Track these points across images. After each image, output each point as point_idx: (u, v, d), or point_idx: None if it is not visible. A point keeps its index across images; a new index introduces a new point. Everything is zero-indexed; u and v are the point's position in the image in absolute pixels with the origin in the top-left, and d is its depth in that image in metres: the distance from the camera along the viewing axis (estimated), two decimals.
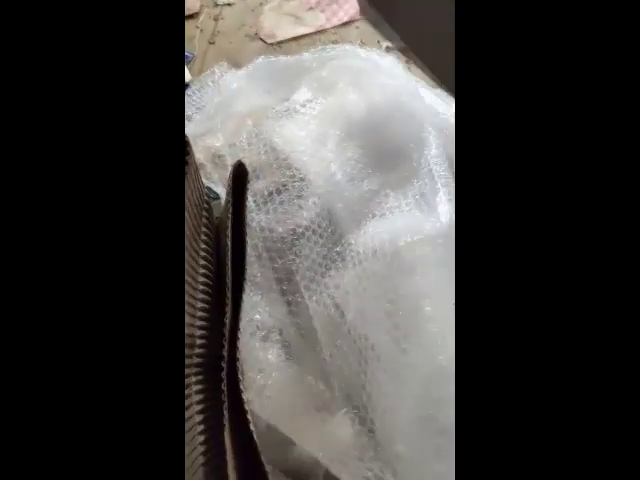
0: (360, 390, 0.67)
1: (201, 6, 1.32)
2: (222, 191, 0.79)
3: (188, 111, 0.85)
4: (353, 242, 0.68)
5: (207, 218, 0.70)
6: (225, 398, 0.53)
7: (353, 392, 0.67)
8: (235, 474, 0.52)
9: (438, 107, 0.78)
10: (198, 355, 0.58)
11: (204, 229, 0.66)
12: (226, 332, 0.57)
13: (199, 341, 0.59)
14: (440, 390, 0.57)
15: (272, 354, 0.70)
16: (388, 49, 1.13)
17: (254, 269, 0.72)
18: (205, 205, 0.71)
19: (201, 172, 0.78)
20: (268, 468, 0.54)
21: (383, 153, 0.74)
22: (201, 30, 1.26)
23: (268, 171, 0.76)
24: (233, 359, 0.56)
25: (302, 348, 0.71)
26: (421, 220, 0.65)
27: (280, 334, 0.71)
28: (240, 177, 0.64)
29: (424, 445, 0.57)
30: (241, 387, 0.55)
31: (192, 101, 0.87)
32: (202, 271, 0.63)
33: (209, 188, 0.78)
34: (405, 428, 0.59)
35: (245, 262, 0.61)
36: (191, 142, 0.61)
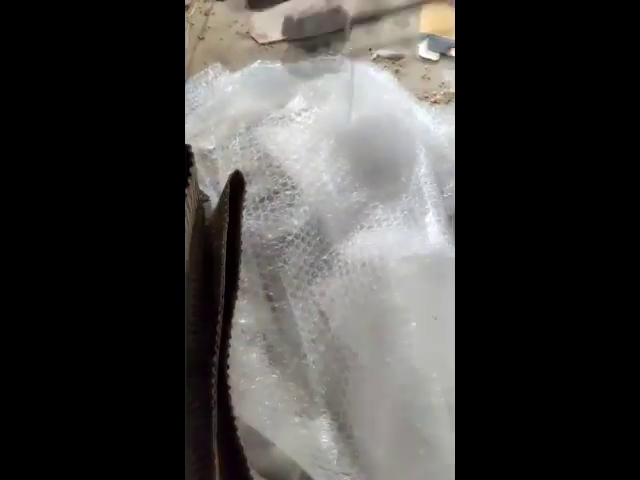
0: (341, 397, 0.68)
1: None
2: (212, 194, 0.79)
3: None
4: (341, 252, 0.70)
5: (201, 222, 0.71)
6: (214, 404, 0.54)
7: (334, 399, 0.69)
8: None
9: (429, 125, 0.80)
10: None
11: (197, 234, 0.67)
12: (217, 339, 0.57)
13: (190, 341, 0.60)
14: (421, 402, 0.60)
15: (256, 358, 0.71)
16: (378, 57, 1.15)
17: (241, 274, 0.73)
18: (200, 211, 0.72)
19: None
20: (252, 473, 0.55)
21: (374, 166, 0.76)
22: (191, 24, 1.25)
23: (260, 177, 0.77)
24: (223, 366, 0.57)
25: (285, 353, 0.72)
26: (410, 237, 0.67)
27: (264, 339, 0.73)
28: (237, 186, 0.65)
29: (403, 454, 0.59)
30: (229, 393, 0.57)
31: (185, 101, 0.87)
32: (194, 276, 0.64)
33: (200, 191, 0.79)
34: (385, 437, 0.61)
35: (238, 272, 0.62)
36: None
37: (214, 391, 0.54)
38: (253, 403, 0.68)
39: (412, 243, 0.65)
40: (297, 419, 0.69)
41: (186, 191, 0.59)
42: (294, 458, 0.65)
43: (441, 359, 0.54)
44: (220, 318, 0.58)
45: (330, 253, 0.73)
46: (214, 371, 0.55)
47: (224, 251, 0.61)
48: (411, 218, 0.70)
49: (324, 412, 0.69)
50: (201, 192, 0.77)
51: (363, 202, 0.76)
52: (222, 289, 0.60)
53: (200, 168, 0.78)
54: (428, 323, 0.62)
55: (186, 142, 0.62)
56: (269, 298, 0.74)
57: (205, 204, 0.78)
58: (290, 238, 0.74)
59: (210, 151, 0.80)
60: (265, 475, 0.67)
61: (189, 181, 0.60)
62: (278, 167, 0.74)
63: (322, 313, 0.72)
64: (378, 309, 0.65)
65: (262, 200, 0.74)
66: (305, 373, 0.72)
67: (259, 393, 0.70)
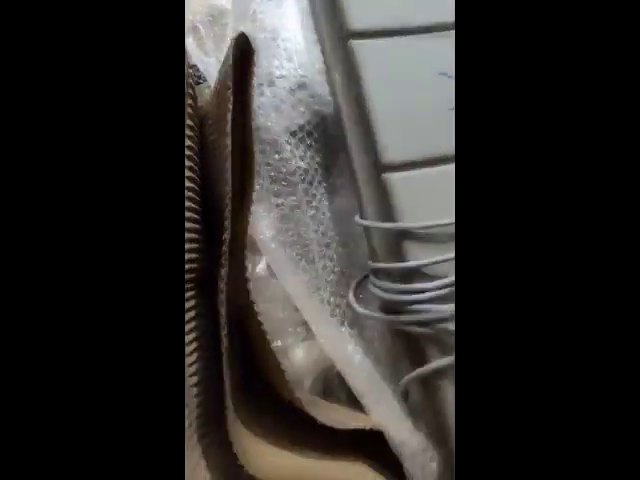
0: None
1: None
2: (211, 68, 0.66)
3: None
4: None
5: (191, 107, 0.59)
6: (225, 324, 0.48)
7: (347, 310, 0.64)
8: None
9: None
10: (189, 271, 0.52)
11: (188, 121, 0.56)
12: (225, 248, 0.50)
13: (189, 255, 0.52)
14: None
15: (262, 267, 0.64)
16: None
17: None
18: (189, 91, 0.60)
19: (192, 36, 0.64)
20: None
21: None
22: None
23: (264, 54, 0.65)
24: (243, 279, 0.50)
25: (293, 257, 0.65)
26: None
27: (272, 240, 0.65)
28: (244, 53, 0.51)
29: None
30: (256, 309, 0.51)
31: None
32: (188, 174, 0.54)
33: (194, 66, 0.66)
34: None
35: (253, 170, 0.52)
36: None
37: (224, 310, 0.47)
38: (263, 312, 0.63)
39: None
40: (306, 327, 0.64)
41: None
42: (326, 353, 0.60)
43: None
44: (228, 224, 0.50)
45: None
46: (223, 286, 0.48)
47: (229, 141, 0.50)
48: None
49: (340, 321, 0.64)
50: (196, 68, 0.64)
51: None
52: (228, 189, 0.50)
53: (202, 27, 0.63)
54: None
55: None
56: (277, 195, 0.65)
57: (199, 86, 0.67)
58: (294, 130, 0.65)
59: (222, 12, 0.62)
60: None
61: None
62: (286, 45, 0.62)
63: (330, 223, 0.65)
64: None
65: (271, 83, 0.62)
66: (314, 278, 0.65)
67: (265, 302, 0.63)
